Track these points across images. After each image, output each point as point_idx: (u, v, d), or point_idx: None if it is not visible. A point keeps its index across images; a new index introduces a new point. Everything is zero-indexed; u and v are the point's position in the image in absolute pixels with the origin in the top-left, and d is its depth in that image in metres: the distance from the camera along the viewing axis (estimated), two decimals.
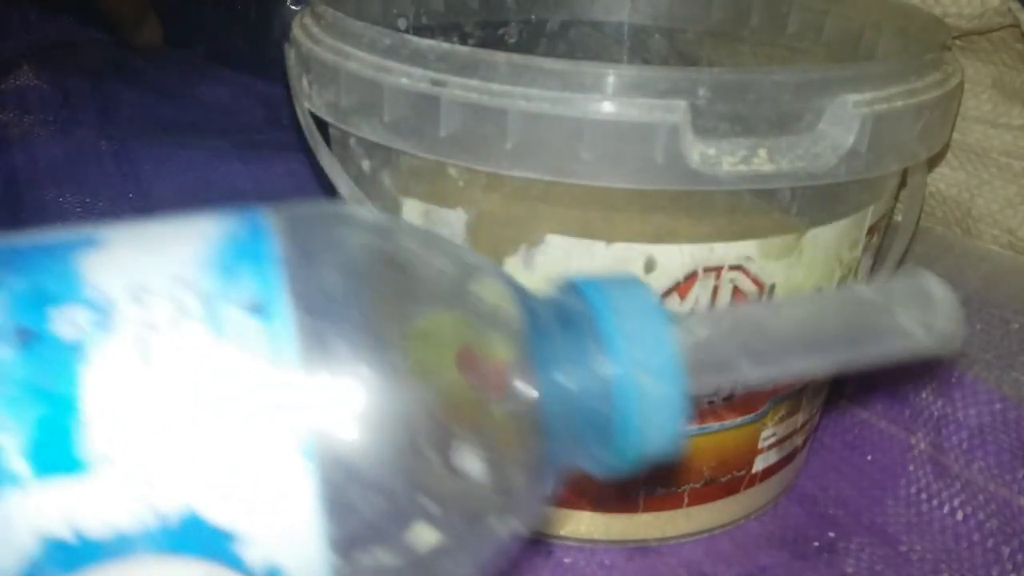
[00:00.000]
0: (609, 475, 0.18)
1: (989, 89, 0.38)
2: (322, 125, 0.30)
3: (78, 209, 0.50)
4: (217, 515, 0.15)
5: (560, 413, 0.18)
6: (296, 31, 0.30)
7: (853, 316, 0.19)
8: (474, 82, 0.24)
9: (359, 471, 0.16)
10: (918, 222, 0.33)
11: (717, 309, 0.19)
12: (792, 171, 0.24)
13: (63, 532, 0.15)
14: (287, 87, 0.31)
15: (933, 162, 0.39)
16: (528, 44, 0.42)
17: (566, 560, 0.32)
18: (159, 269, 0.16)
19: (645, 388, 0.17)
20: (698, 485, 0.31)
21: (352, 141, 0.30)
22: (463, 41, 0.41)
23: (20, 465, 0.15)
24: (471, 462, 0.17)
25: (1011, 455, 0.32)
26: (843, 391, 0.39)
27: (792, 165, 0.24)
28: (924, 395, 0.36)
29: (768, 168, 0.24)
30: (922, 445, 0.35)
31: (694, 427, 0.29)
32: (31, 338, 0.15)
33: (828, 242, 0.28)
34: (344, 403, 0.16)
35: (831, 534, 0.34)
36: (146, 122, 0.61)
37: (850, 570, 0.32)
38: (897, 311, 0.19)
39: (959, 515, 0.32)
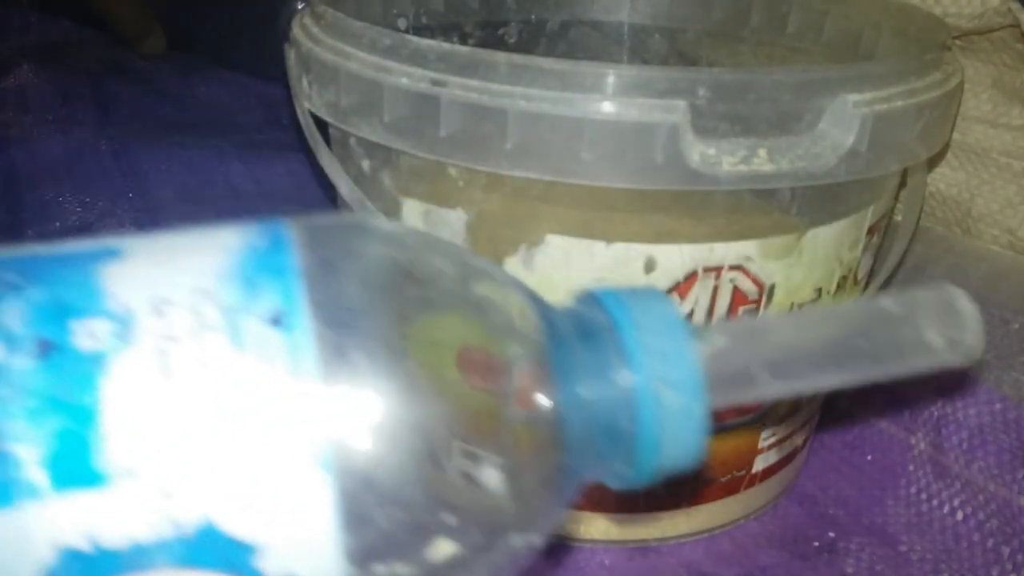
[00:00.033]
0: (628, 488, 0.18)
1: (989, 89, 0.38)
2: (322, 125, 0.30)
3: (78, 209, 0.50)
4: (235, 527, 0.15)
5: (579, 425, 0.17)
6: (296, 31, 0.30)
7: (876, 329, 0.19)
8: (474, 82, 0.24)
9: (377, 483, 0.16)
10: (918, 222, 0.33)
11: (738, 321, 0.19)
12: (792, 171, 0.24)
13: (81, 543, 0.15)
14: (287, 87, 0.31)
15: (933, 162, 0.39)
16: (528, 44, 0.42)
17: (566, 560, 0.32)
18: (180, 281, 0.16)
19: (667, 402, 0.17)
20: (698, 485, 0.31)
21: (352, 141, 0.30)
22: (463, 41, 0.41)
23: (39, 476, 0.15)
24: (490, 474, 0.16)
25: (1011, 455, 0.32)
26: (843, 391, 0.39)
27: (792, 165, 0.24)
28: (924, 395, 0.36)
29: (768, 168, 0.24)
30: (922, 445, 0.35)
31: None
32: (52, 350, 0.15)
33: (828, 242, 0.28)
34: (362, 415, 0.16)
35: (831, 534, 0.34)
36: (146, 122, 0.61)
37: (850, 570, 0.32)
38: (921, 324, 0.19)
39: (959, 515, 0.32)
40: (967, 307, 0.19)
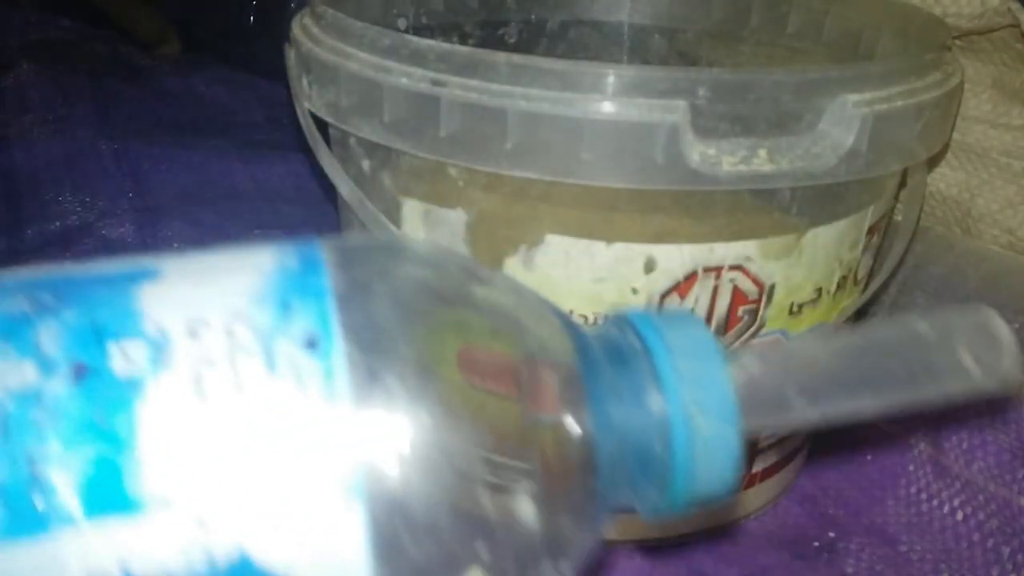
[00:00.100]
0: (660, 516, 0.18)
1: (989, 89, 0.38)
2: (322, 125, 0.30)
3: (78, 209, 0.50)
4: (268, 556, 0.15)
5: (612, 450, 0.17)
6: (296, 31, 0.30)
7: (911, 353, 0.18)
8: (474, 82, 0.24)
9: (409, 511, 0.15)
10: (918, 222, 0.33)
11: (770, 345, 0.19)
12: (792, 171, 0.24)
13: (114, 571, 0.15)
14: (287, 87, 0.31)
15: (933, 162, 0.39)
16: (528, 44, 0.42)
17: None
18: (214, 302, 0.16)
19: (700, 429, 0.17)
20: None
21: (352, 141, 0.30)
22: (463, 41, 0.41)
23: (73, 503, 0.15)
24: (522, 501, 0.16)
25: (1011, 455, 0.32)
26: None
27: (792, 165, 0.24)
28: None
29: (768, 168, 0.24)
30: (922, 445, 0.35)
31: None
32: (88, 373, 0.15)
33: (828, 242, 0.28)
34: (395, 441, 0.15)
35: (831, 534, 0.34)
36: (146, 122, 0.61)
37: (850, 570, 0.32)
38: (956, 349, 0.18)
39: (959, 515, 0.32)
40: (1003, 331, 0.18)
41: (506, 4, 0.42)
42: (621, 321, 0.19)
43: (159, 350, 0.15)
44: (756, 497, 0.34)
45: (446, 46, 0.25)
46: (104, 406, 0.15)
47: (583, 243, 0.26)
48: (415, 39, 0.25)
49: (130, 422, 0.15)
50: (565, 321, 0.19)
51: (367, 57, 0.26)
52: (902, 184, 0.32)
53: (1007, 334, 0.18)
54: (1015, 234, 0.38)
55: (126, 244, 0.47)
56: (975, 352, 0.18)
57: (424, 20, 0.40)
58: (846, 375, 0.18)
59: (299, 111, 0.30)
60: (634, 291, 0.27)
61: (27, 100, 0.61)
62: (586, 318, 0.27)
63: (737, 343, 0.28)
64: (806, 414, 0.18)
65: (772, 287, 0.28)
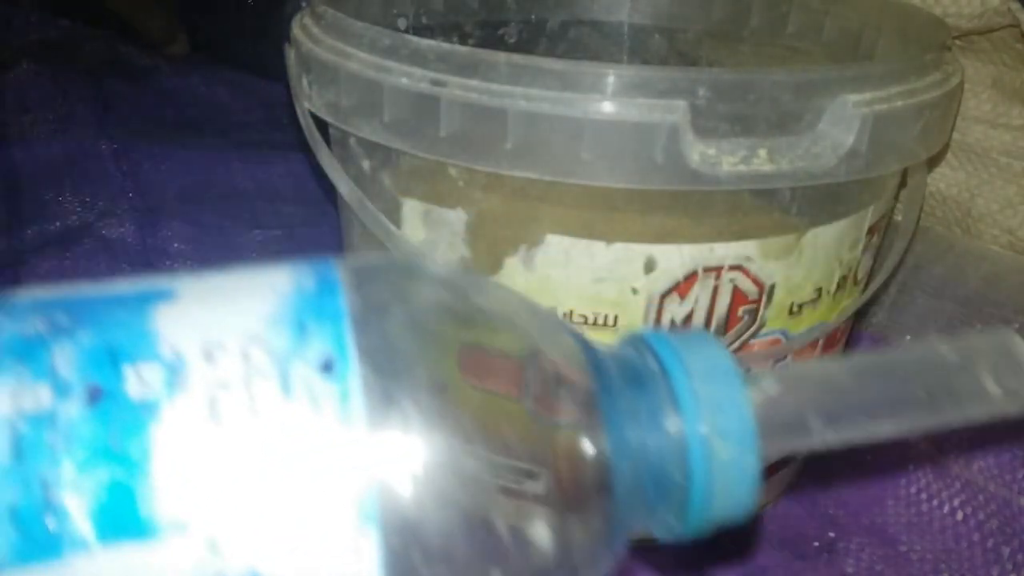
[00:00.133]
0: (676, 540, 0.18)
1: (989, 89, 0.38)
2: (322, 125, 0.30)
3: (78, 209, 0.50)
4: None
5: (628, 473, 0.17)
6: (296, 31, 0.30)
7: (932, 377, 0.18)
8: (474, 82, 0.24)
9: (424, 535, 0.15)
10: (918, 222, 0.33)
11: (789, 367, 0.18)
12: (792, 171, 0.24)
13: None
14: (287, 87, 0.31)
15: (933, 162, 0.39)
16: (528, 44, 0.42)
17: None
18: (231, 325, 0.16)
19: (719, 454, 0.17)
20: None
21: (352, 141, 0.30)
22: (463, 41, 0.41)
23: (87, 528, 0.14)
24: (537, 527, 0.16)
25: (1011, 455, 0.32)
26: None
27: (792, 165, 0.24)
28: None
29: (768, 168, 0.24)
30: (922, 445, 0.35)
31: None
32: (102, 396, 0.15)
33: (828, 242, 0.28)
34: (409, 466, 0.15)
35: (831, 534, 0.34)
36: (146, 122, 0.61)
37: (850, 570, 0.32)
38: (979, 372, 0.18)
39: (959, 515, 0.32)
40: None
41: (506, 4, 0.42)
42: (638, 342, 0.19)
43: (174, 373, 0.15)
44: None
45: (446, 46, 0.25)
46: (118, 429, 0.15)
47: (583, 243, 0.26)
48: (415, 39, 0.25)
49: (144, 446, 0.15)
50: (582, 342, 0.18)
51: (367, 57, 0.26)
52: (902, 184, 0.32)
53: None
54: (1015, 234, 0.38)
55: (126, 244, 0.47)
56: (997, 375, 0.18)
57: (424, 20, 0.40)
58: (866, 398, 0.18)
59: (299, 111, 0.30)
60: (634, 291, 0.27)
61: (27, 100, 0.61)
62: (586, 318, 0.27)
63: (737, 343, 0.28)
64: (825, 437, 0.18)
65: (772, 287, 0.28)
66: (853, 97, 0.25)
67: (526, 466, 0.16)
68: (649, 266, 0.26)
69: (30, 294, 0.17)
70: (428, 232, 0.28)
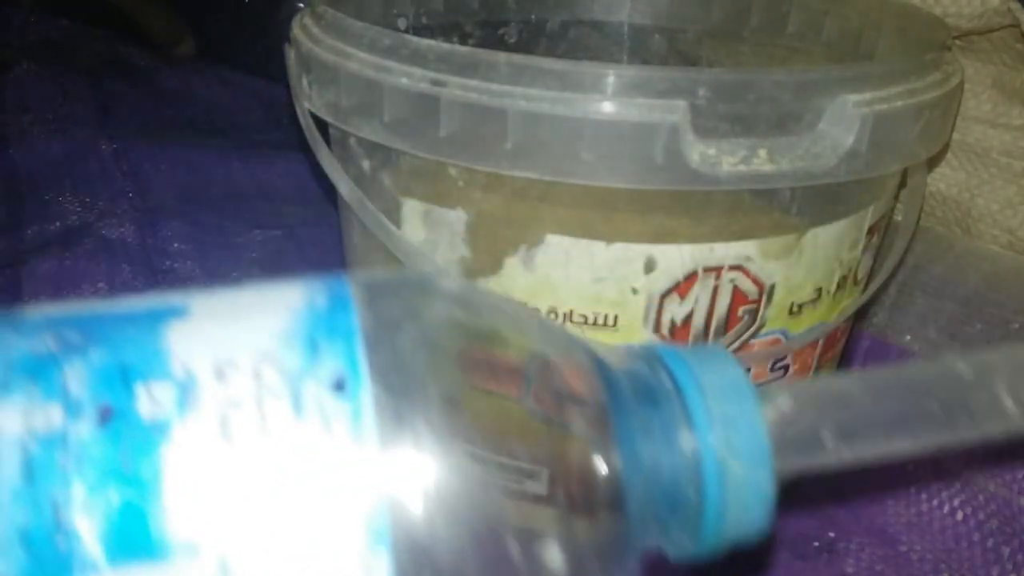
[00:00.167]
0: (689, 559, 0.18)
1: (989, 89, 0.38)
2: (322, 125, 0.30)
3: (78, 209, 0.50)
4: None
5: (640, 492, 0.17)
6: (296, 31, 0.30)
7: (948, 393, 0.18)
8: (474, 82, 0.24)
9: (435, 556, 0.15)
10: (918, 222, 0.33)
11: (803, 383, 0.18)
12: (792, 171, 0.24)
13: None
14: (287, 87, 0.31)
15: (933, 162, 0.39)
16: (528, 44, 0.42)
17: None
18: (243, 343, 0.16)
19: (733, 473, 0.17)
20: None
21: (352, 141, 0.30)
22: (463, 41, 0.41)
23: (96, 550, 0.14)
24: (550, 546, 0.16)
25: (1011, 455, 0.32)
26: None
27: (792, 165, 0.24)
28: None
29: (768, 168, 0.24)
30: None
31: None
32: (114, 416, 0.15)
33: (828, 242, 0.28)
34: (422, 486, 0.15)
35: (831, 534, 0.34)
36: (146, 122, 0.61)
37: (850, 570, 0.32)
38: (996, 388, 0.18)
39: (959, 515, 0.32)
40: None
41: (506, 4, 0.42)
42: (651, 357, 0.18)
43: (186, 392, 0.15)
44: None
45: (446, 46, 0.25)
46: (129, 450, 0.15)
47: (583, 243, 0.26)
48: (415, 39, 0.26)
49: (155, 466, 0.15)
50: (594, 358, 0.18)
51: (367, 57, 0.26)
52: (902, 184, 0.32)
53: None
54: (1015, 234, 0.38)
55: (126, 244, 0.47)
56: (1014, 392, 0.18)
57: (424, 20, 0.40)
58: (882, 415, 0.18)
59: (299, 111, 0.30)
60: (634, 291, 0.27)
61: (27, 100, 0.61)
62: (586, 318, 0.27)
63: (737, 343, 0.28)
64: (840, 455, 0.18)
65: (772, 287, 0.28)
66: (853, 97, 0.25)
67: (538, 485, 0.16)
68: (649, 266, 0.26)
69: (40, 311, 0.17)
70: (428, 232, 0.28)
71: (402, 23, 0.39)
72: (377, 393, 0.15)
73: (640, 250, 0.26)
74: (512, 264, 0.27)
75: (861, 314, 0.36)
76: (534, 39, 0.43)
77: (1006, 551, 0.31)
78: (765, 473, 0.17)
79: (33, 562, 0.14)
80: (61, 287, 0.43)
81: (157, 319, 0.16)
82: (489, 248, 0.28)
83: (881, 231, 0.32)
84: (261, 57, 0.68)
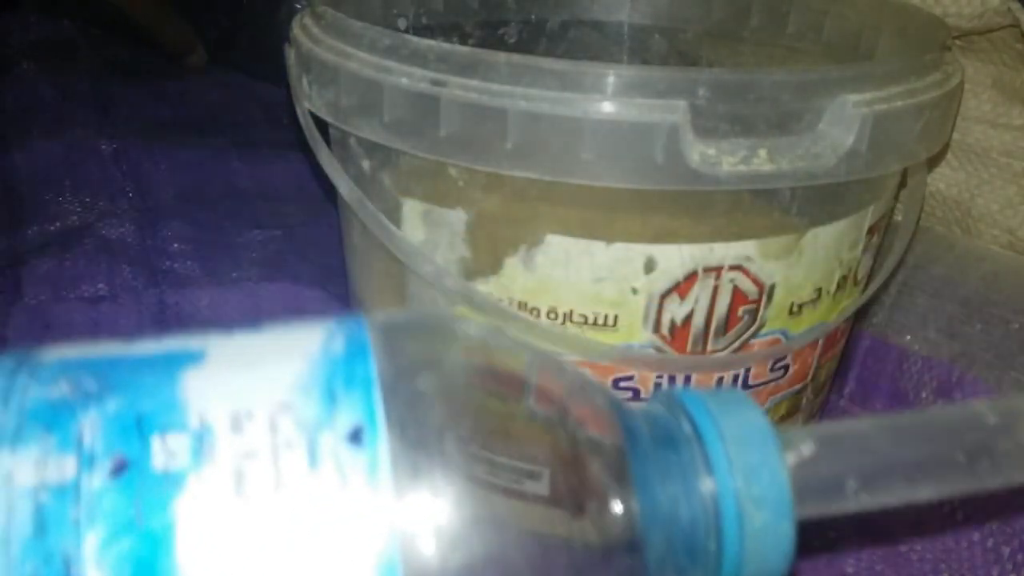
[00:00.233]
0: None
1: (989, 89, 0.38)
2: (322, 125, 0.30)
3: (78, 209, 0.50)
4: None
5: (659, 539, 0.17)
6: (296, 31, 0.30)
7: (973, 439, 0.18)
8: (474, 82, 0.24)
9: None
10: (918, 222, 0.33)
11: (826, 425, 0.18)
12: (792, 171, 0.24)
13: None
14: (287, 87, 0.31)
15: (933, 162, 0.39)
16: (528, 44, 0.42)
17: None
18: (260, 392, 0.16)
19: (753, 521, 0.17)
20: None
21: (352, 141, 0.30)
22: (463, 41, 0.41)
23: None
24: None
25: None
26: (843, 391, 0.39)
27: (792, 165, 0.24)
28: (924, 395, 0.36)
29: (768, 168, 0.24)
30: None
31: None
32: (128, 468, 0.15)
33: (828, 242, 0.28)
34: (439, 542, 0.15)
35: (831, 534, 0.34)
36: (146, 122, 0.61)
37: (850, 570, 0.32)
38: (1020, 434, 0.18)
39: (959, 515, 0.32)
40: None
41: (506, 4, 0.42)
42: (672, 402, 0.18)
43: (201, 443, 0.15)
44: None
45: (446, 46, 0.25)
46: (143, 503, 0.14)
47: (583, 243, 0.26)
48: (415, 39, 0.25)
49: (168, 520, 0.14)
50: (614, 403, 0.18)
51: (367, 57, 0.26)
52: (902, 184, 0.32)
53: None
54: (1015, 234, 0.38)
55: (126, 244, 0.47)
56: None
57: (424, 20, 0.40)
58: (905, 461, 0.18)
59: (299, 111, 0.30)
60: (634, 291, 0.27)
61: (27, 100, 0.61)
62: (586, 318, 0.27)
63: (737, 343, 0.28)
64: (862, 501, 0.17)
65: (772, 287, 0.28)
66: (853, 97, 0.25)
67: (556, 537, 0.16)
68: (649, 266, 0.26)
69: (57, 353, 0.17)
70: (428, 232, 0.28)
71: (402, 23, 0.39)
72: (394, 444, 0.15)
73: (640, 250, 0.26)
74: (512, 264, 0.27)
75: (861, 314, 0.36)
76: (534, 39, 0.43)
77: (1006, 551, 0.31)
78: (786, 523, 0.17)
79: None
80: (61, 287, 0.43)
81: (174, 365, 0.16)
82: (489, 248, 0.28)
83: (881, 231, 0.32)
84: (262, 62, 0.68)
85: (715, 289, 0.27)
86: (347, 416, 0.16)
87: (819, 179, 0.25)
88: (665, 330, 0.28)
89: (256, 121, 0.64)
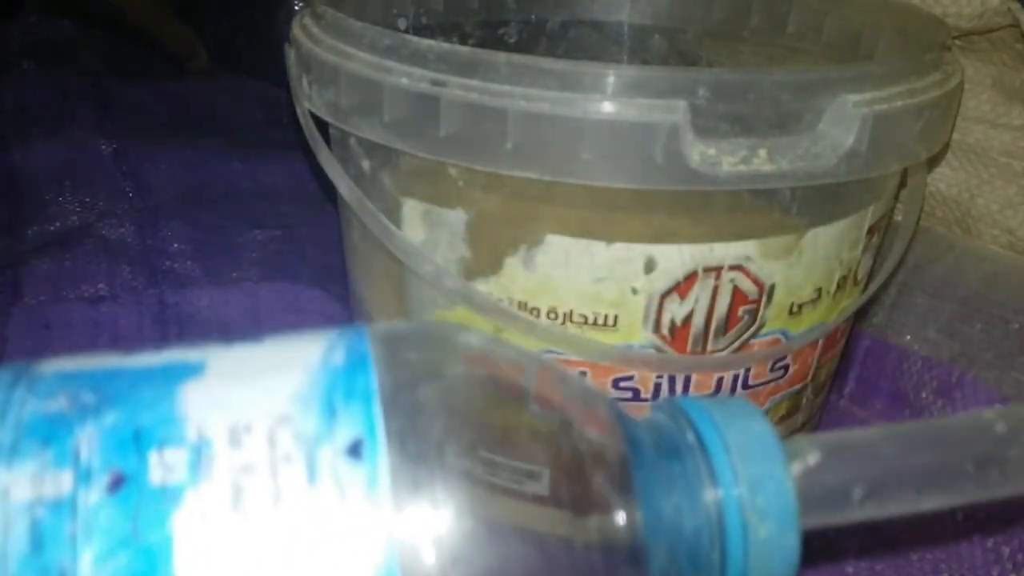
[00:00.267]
0: None
1: (989, 89, 0.38)
2: (322, 125, 0.30)
3: (78, 209, 0.50)
4: None
5: (663, 550, 0.17)
6: (296, 31, 0.30)
7: (981, 448, 0.18)
8: (474, 82, 0.24)
9: None
10: (918, 222, 0.33)
11: (832, 435, 0.18)
12: (792, 171, 0.24)
13: None
14: (287, 87, 0.31)
15: (933, 162, 0.39)
16: (528, 44, 0.42)
17: None
18: (259, 405, 0.16)
19: (758, 533, 0.16)
20: None
21: (352, 141, 0.30)
22: (463, 41, 0.41)
23: None
24: None
25: None
26: (843, 391, 0.39)
27: (792, 165, 0.24)
28: (924, 395, 0.36)
29: (768, 168, 0.24)
30: None
31: None
32: (126, 483, 0.14)
33: (828, 242, 0.28)
34: (438, 556, 0.15)
35: (831, 534, 0.34)
36: (146, 122, 0.61)
37: (850, 570, 0.32)
38: None
39: (959, 515, 0.32)
40: None
41: (506, 4, 0.42)
42: (675, 410, 0.18)
43: (199, 457, 0.15)
44: None
45: (446, 46, 0.25)
46: (140, 518, 0.14)
47: (583, 243, 0.26)
48: (415, 39, 0.25)
49: (166, 535, 0.14)
50: (617, 412, 0.18)
51: (367, 57, 0.26)
52: (902, 184, 0.32)
53: None
54: (1015, 234, 0.38)
55: (126, 244, 0.47)
56: None
57: (424, 20, 0.40)
58: (912, 471, 0.17)
59: (299, 111, 0.30)
60: (634, 291, 0.27)
61: (27, 100, 0.61)
62: (586, 318, 0.27)
63: (737, 343, 0.28)
64: (868, 511, 0.17)
65: (772, 287, 0.28)
66: (853, 97, 0.25)
67: (558, 550, 0.16)
68: (649, 266, 0.26)
69: (55, 365, 0.17)
70: (428, 232, 0.28)
71: (402, 23, 0.39)
72: (394, 458, 0.15)
73: (640, 250, 0.26)
74: (512, 264, 0.27)
75: (861, 314, 0.36)
76: (534, 39, 0.43)
77: (1006, 551, 0.31)
78: (791, 534, 0.17)
79: None
80: (61, 287, 0.43)
81: (173, 378, 0.16)
82: (489, 248, 0.28)
83: (881, 231, 0.32)
84: (262, 62, 0.68)
85: (715, 289, 0.27)
86: (347, 429, 0.15)
87: (819, 179, 0.25)
88: (665, 330, 0.28)
89: (256, 121, 0.64)
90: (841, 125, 0.25)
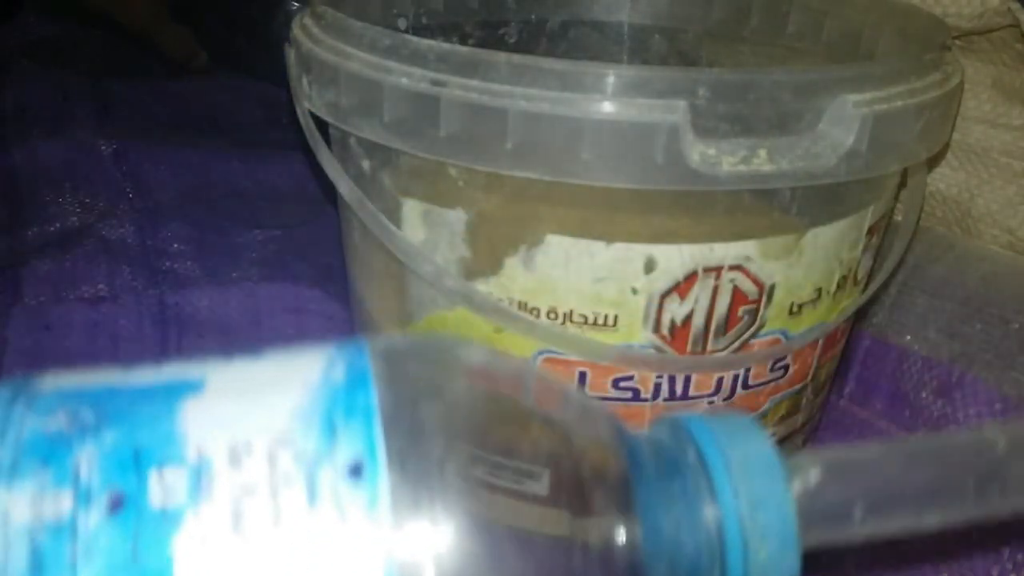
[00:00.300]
0: None
1: (989, 89, 0.38)
2: (322, 125, 0.30)
3: (78, 209, 0.50)
4: None
5: (664, 570, 0.17)
6: (296, 31, 0.30)
7: (983, 465, 0.18)
8: (474, 82, 0.24)
9: None
10: (918, 222, 0.33)
11: (833, 451, 0.18)
12: (792, 171, 0.24)
13: None
14: (287, 87, 0.31)
15: (933, 162, 0.39)
16: (528, 44, 0.42)
17: None
18: (259, 422, 0.15)
19: (758, 554, 0.16)
20: None
21: (352, 141, 0.30)
22: (463, 41, 0.41)
23: None
24: None
25: None
26: (843, 391, 0.39)
27: (792, 165, 0.24)
28: (924, 395, 0.36)
29: (768, 168, 0.24)
30: None
31: None
32: (125, 504, 0.14)
33: (828, 242, 0.28)
34: (437, 572, 0.15)
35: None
36: (146, 122, 0.61)
37: (850, 570, 0.32)
38: None
39: None
40: None
41: (506, 4, 0.42)
42: (676, 428, 0.18)
43: (199, 478, 0.15)
44: None
45: (446, 46, 0.25)
46: (140, 540, 0.14)
47: (583, 243, 0.26)
48: (415, 39, 0.25)
49: (166, 557, 0.14)
50: (618, 429, 0.18)
51: (367, 57, 0.26)
52: (902, 184, 0.32)
53: None
54: (1015, 234, 0.38)
55: (126, 244, 0.47)
56: None
57: (424, 20, 0.40)
58: (914, 488, 0.17)
59: (299, 111, 0.30)
60: (634, 291, 0.27)
61: (27, 100, 0.61)
62: (586, 318, 0.27)
63: (737, 343, 0.28)
64: (868, 529, 0.17)
65: (772, 287, 0.28)
66: (853, 97, 0.25)
67: (560, 567, 0.16)
68: (649, 266, 0.26)
69: (55, 382, 0.16)
70: (428, 232, 0.28)
71: (402, 23, 0.39)
72: (394, 478, 0.15)
73: (640, 250, 0.26)
74: (512, 264, 0.27)
75: (861, 314, 0.36)
76: (534, 39, 0.43)
77: (1006, 551, 0.31)
78: (791, 554, 0.16)
79: None
80: (61, 288, 0.43)
81: (173, 396, 0.16)
82: (489, 248, 0.28)
83: (881, 231, 0.32)
84: (261, 62, 0.68)
85: (715, 289, 0.27)
86: (347, 449, 0.15)
87: (819, 179, 0.25)
88: (665, 330, 0.28)
89: (256, 121, 0.64)
90: (841, 125, 0.25)
